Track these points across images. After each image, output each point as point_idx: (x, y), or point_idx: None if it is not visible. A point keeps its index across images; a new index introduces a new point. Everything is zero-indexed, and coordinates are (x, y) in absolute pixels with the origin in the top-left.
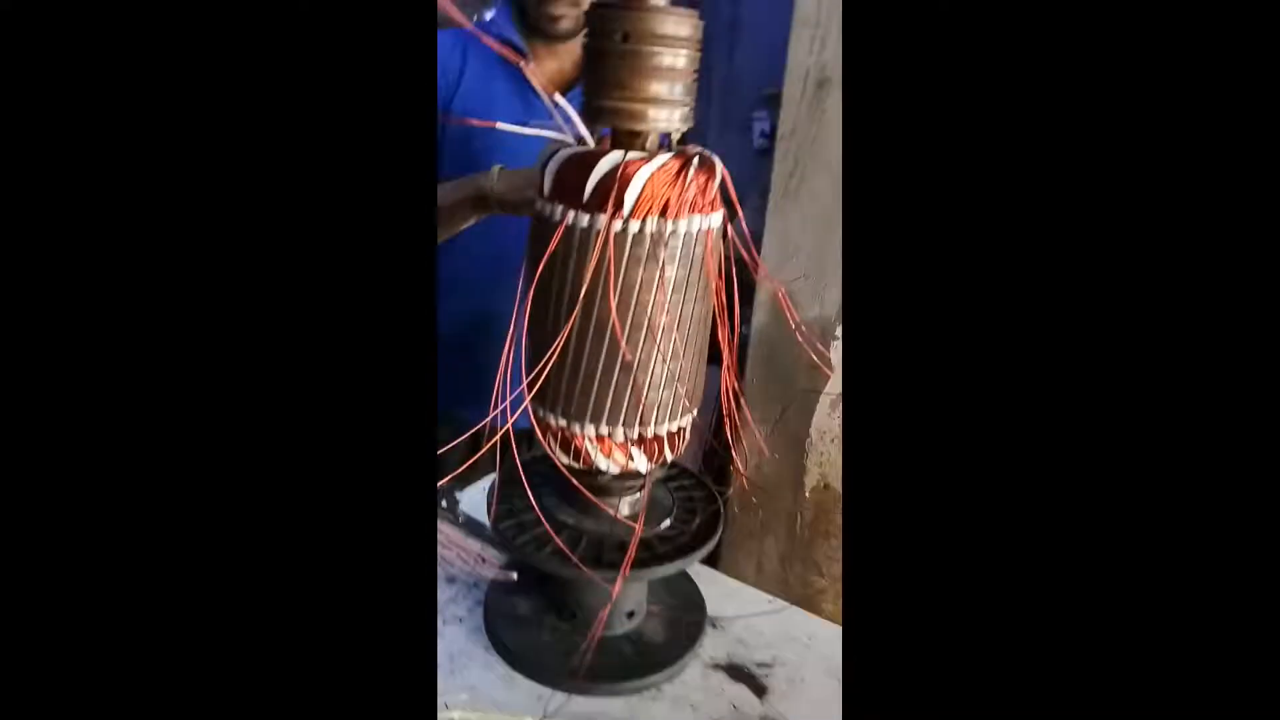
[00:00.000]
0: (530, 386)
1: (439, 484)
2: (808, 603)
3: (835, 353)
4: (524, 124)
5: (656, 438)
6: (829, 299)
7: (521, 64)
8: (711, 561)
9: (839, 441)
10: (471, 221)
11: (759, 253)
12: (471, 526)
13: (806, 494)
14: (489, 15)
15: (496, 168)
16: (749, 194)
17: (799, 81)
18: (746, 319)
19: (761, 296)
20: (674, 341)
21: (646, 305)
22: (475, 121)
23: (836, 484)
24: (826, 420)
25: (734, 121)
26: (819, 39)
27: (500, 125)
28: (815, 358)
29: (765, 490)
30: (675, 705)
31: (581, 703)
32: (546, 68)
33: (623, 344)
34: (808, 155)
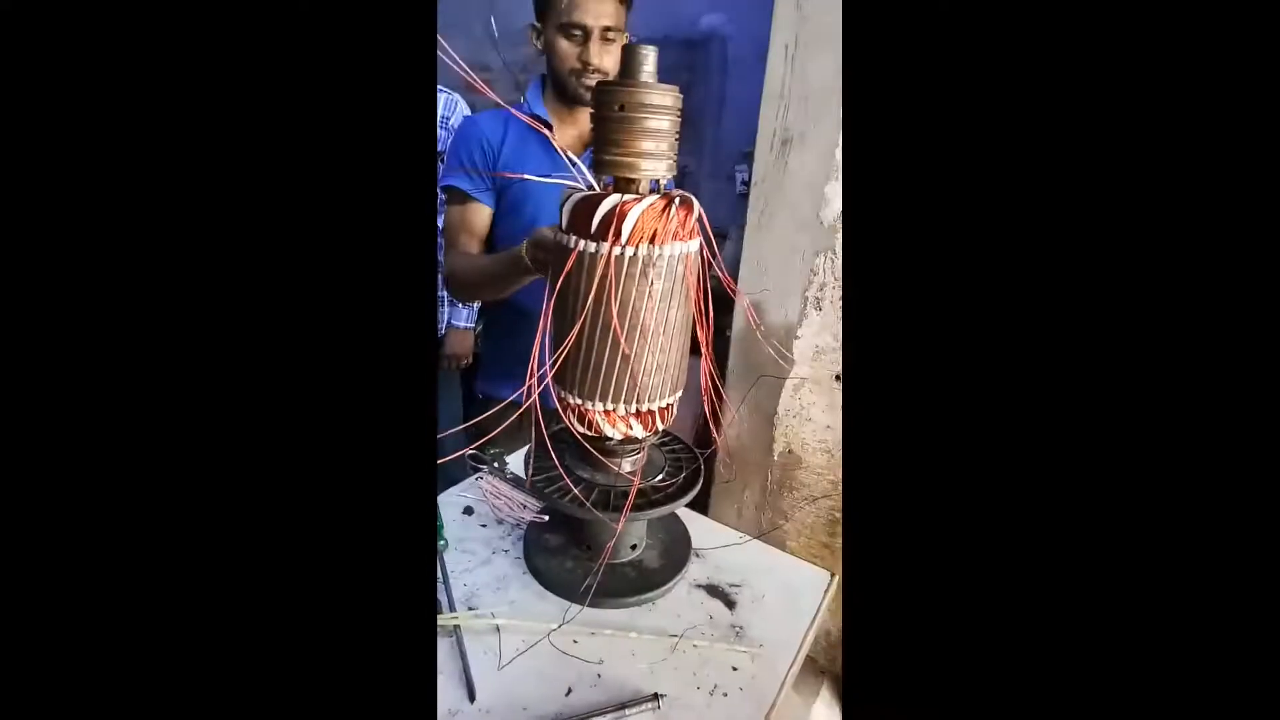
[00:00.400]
0: (553, 373)
1: (491, 450)
2: (775, 540)
3: (796, 349)
4: (548, 175)
5: (650, 412)
6: (791, 307)
7: (546, 133)
8: (702, 509)
9: (799, 417)
10: (519, 284)
11: (739, 271)
12: (515, 481)
13: (775, 458)
14: (526, 96)
15: (525, 240)
16: (732, 227)
17: (767, 141)
18: (729, 325)
19: (739, 307)
20: (661, 338)
21: (639, 311)
22: (510, 174)
23: (798, 450)
24: (790, 401)
25: (721, 172)
26: (783, 108)
27: (527, 177)
28: (774, 354)
29: (741, 455)
30: (665, 615)
31: (594, 613)
32: (568, 133)
33: (622, 340)
34: (775, 198)
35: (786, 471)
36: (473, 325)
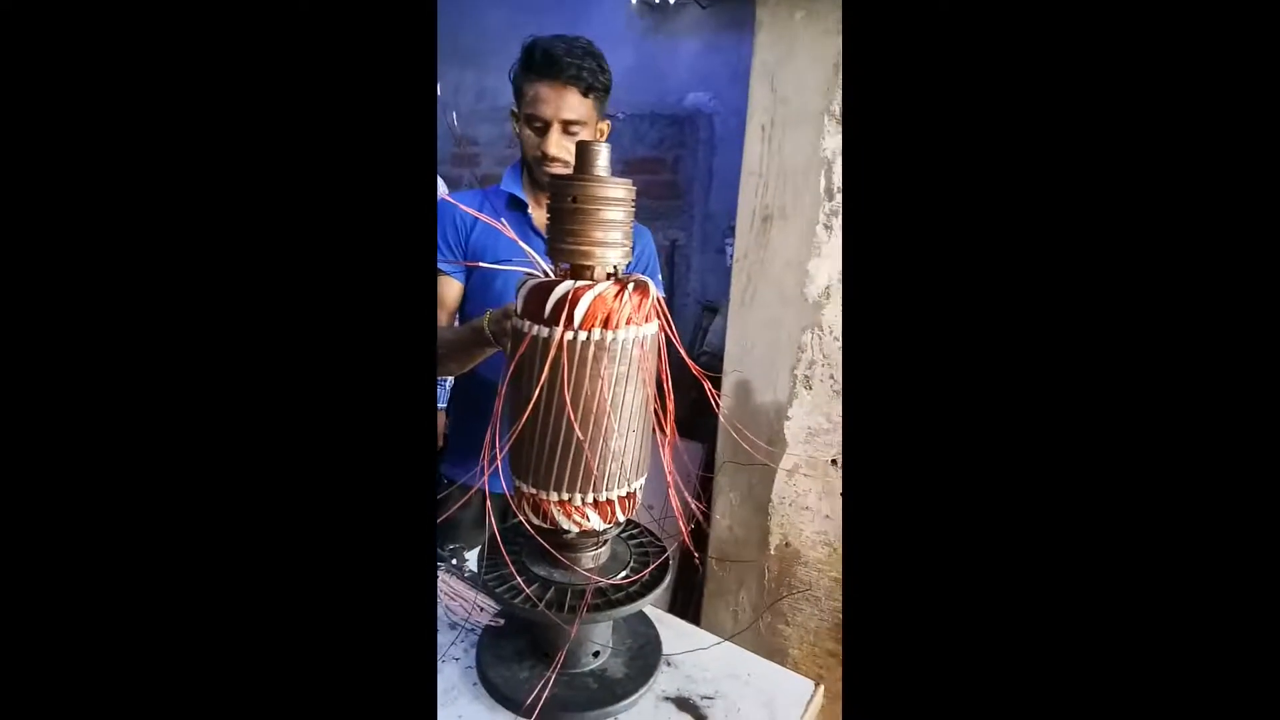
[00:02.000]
0: (510, 460)
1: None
2: (778, 651)
3: (787, 431)
4: (507, 261)
5: (609, 501)
6: (780, 386)
7: (497, 224)
8: (694, 616)
9: (795, 505)
10: (482, 356)
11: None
12: (473, 580)
13: (771, 551)
14: (504, 176)
15: (488, 311)
16: (723, 300)
17: (748, 217)
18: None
19: (728, 387)
20: (618, 424)
21: (593, 395)
22: (466, 262)
23: (796, 542)
24: (784, 487)
25: (712, 245)
26: (761, 184)
27: (482, 265)
28: (735, 436)
29: (734, 550)
30: None
31: None
32: (543, 213)
33: (576, 426)
34: (758, 274)
35: (785, 567)
36: (444, 406)
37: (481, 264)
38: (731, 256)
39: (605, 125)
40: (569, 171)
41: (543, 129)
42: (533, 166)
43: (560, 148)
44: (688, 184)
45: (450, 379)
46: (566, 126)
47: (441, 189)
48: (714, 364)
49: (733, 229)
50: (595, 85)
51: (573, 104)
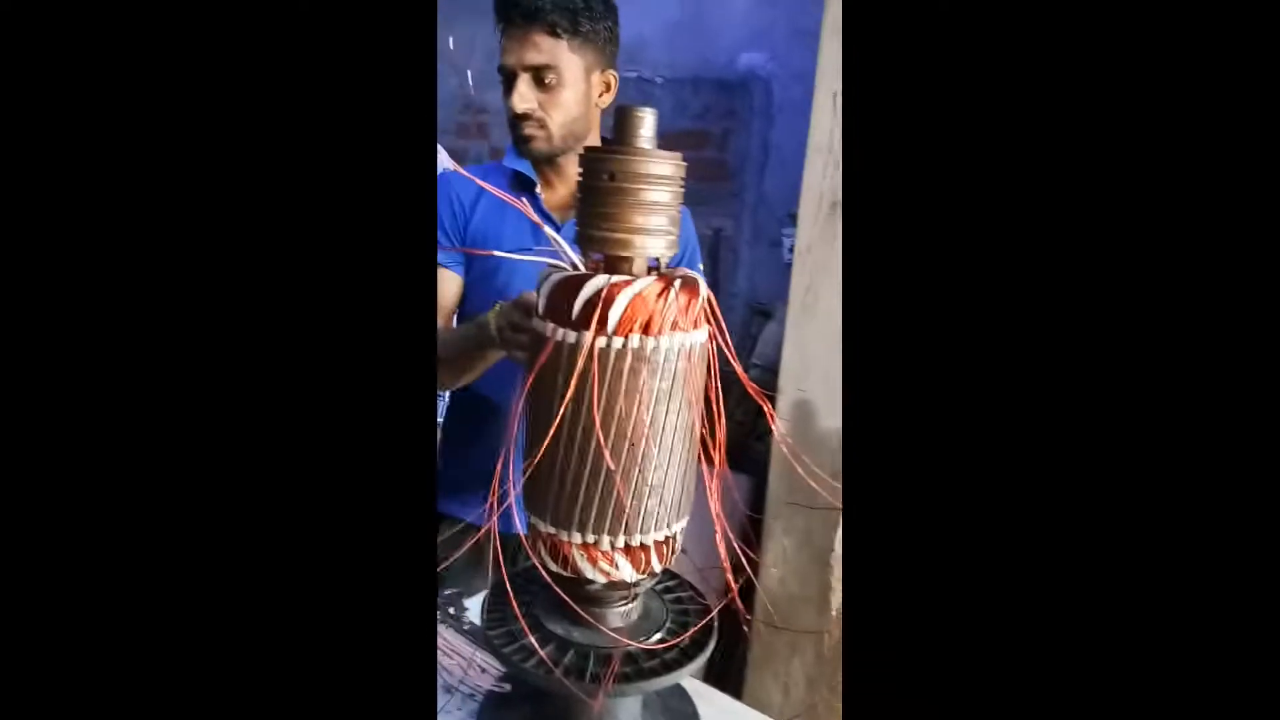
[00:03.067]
0: (524, 492)
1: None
2: None
3: None
4: (528, 249)
5: (643, 546)
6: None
7: (517, 202)
8: (735, 686)
9: None
10: (485, 365)
11: (781, 362)
12: (474, 635)
13: (833, 612)
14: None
15: (497, 304)
16: (778, 304)
17: (813, 203)
18: (766, 432)
19: (784, 408)
20: (657, 452)
21: (629, 416)
22: (477, 251)
23: None
24: None
25: (765, 236)
26: (831, 164)
27: (497, 254)
28: (807, 477)
29: (787, 609)
30: None
31: None
32: (558, 193)
33: (607, 453)
34: (822, 272)
35: None
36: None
37: (490, 252)
38: (790, 250)
39: (610, 78)
40: (545, 132)
41: (510, 83)
42: (511, 130)
43: (528, 101)
44: (738, 162)
45: (446, 394)
46: (538, 77)
47: (445, 161)
48: (766, 379)
49: (792, 217)
50: (569, 23)
51: (540, 46)
